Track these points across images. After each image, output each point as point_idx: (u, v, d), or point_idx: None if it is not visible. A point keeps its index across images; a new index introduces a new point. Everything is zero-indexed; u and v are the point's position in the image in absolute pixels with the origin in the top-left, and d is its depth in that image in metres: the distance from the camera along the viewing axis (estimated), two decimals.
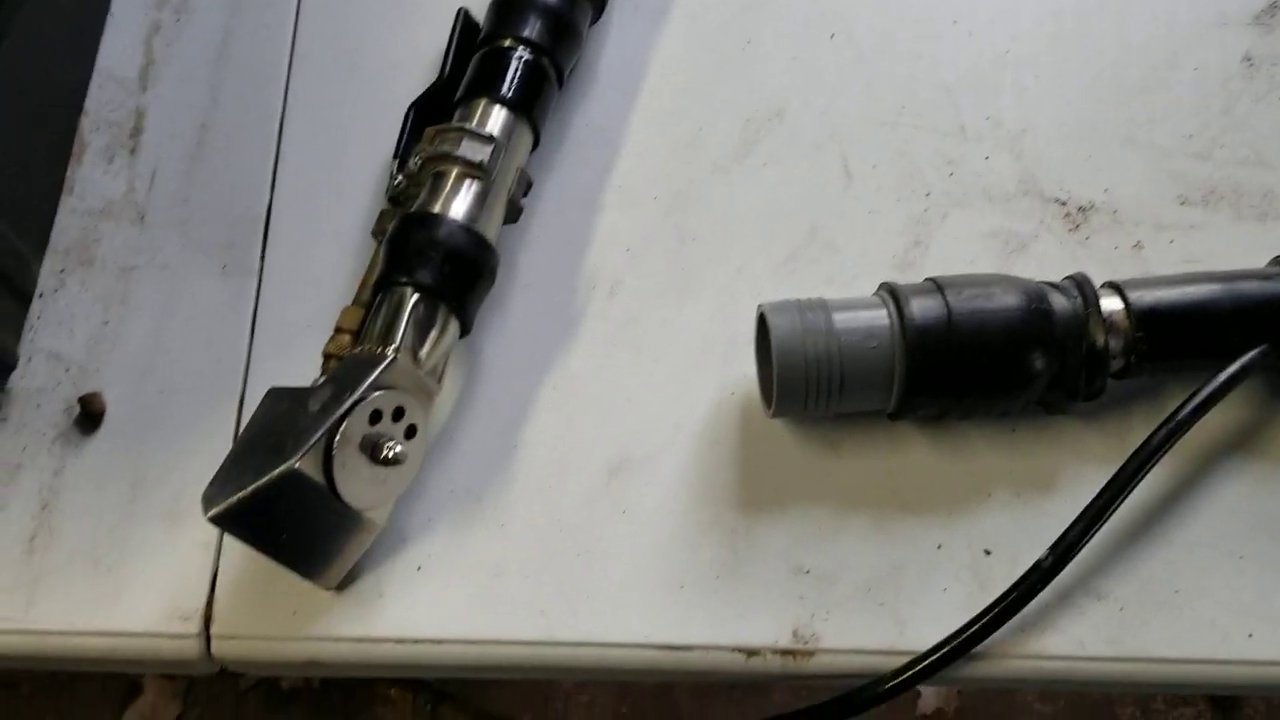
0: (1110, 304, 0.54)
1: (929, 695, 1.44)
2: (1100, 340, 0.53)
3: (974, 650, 0.52)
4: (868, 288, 0.58)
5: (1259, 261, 0.59)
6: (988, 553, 0.55)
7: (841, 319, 0.54)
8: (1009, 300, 0.53)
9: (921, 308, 0.53)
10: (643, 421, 0.59)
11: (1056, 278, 0.58)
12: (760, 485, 0.57)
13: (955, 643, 0.51)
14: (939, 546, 0.55)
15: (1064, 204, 0.65)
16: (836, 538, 0.56)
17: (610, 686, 1.47)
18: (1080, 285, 0.55)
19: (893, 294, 0.54)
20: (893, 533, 0.56)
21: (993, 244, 0.64)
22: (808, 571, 0.55)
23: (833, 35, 0.70)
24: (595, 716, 1.45)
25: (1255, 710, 1.47)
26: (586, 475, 0.57)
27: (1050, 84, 0.68)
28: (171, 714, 1.48)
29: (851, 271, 0.63)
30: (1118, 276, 0.58)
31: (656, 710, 1.45)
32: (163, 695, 1.49)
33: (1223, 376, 0.52)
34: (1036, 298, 0.53)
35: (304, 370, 0.57)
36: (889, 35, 0.70)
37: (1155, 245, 0.63)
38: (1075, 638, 0.53)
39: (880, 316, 0.54)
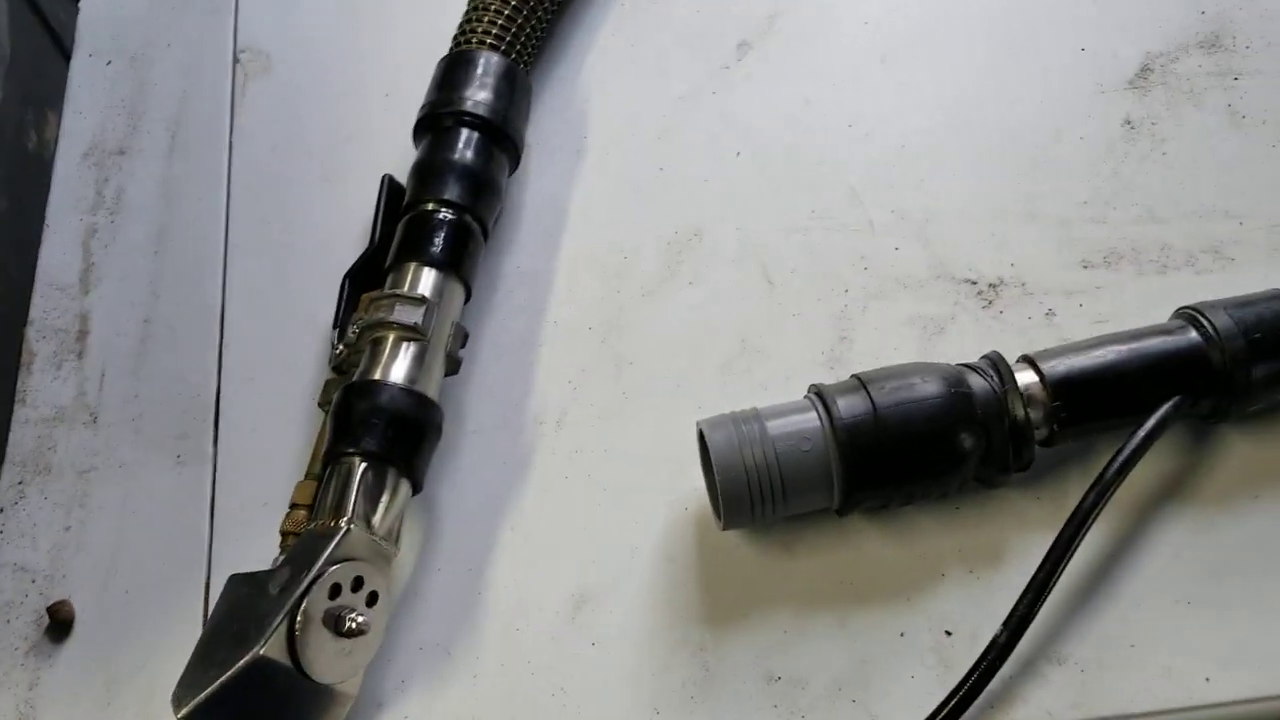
0: (1025, 378, 0.55)
1: None
2: (1021, 414, 0.54)
3: None
4: (801, 388, 0.59)
5: (1165, 312, 0.61)
6: (949, 633, 0.56)
7: (775, 426, 0.55)
8: (929, 388, 0.54)
9: (848, 406, 0.54)
10: (601, 549, 0.59)
11: (976, 354, 0.59)
12: (723, 598, 0.58)
13: None
14: (901, 634, 0.56)
15: (975, 283, 0.66)
16: (802, 640, 0.56)
17: None
18: (995, 364, 0.56)
19: (820, 396, 0.55)
20: (856, 627, 0.56)
21: (913, 330, 0.65)
22: (779, 678, 0.55)
23: (739, 153, 0.72)
24: None
25: None
26: (551, 612, 0.58)
27: (947, 171, 0.70)
28: None
29: (784, 374, 0.64)
30: (1034, 346, 0.59)
31: None
32: None
33: (1140, 434, 0.53)
34: (955, 382, 0.54)
35: (267, 550, 0.57)
36: (791, 146, 0.72)
37: (1066, 311, 0.65)
38: (1042, 707, 0.53)
39: (811, 419, 0.55)
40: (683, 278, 0.68)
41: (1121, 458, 0.53)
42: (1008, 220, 0.68)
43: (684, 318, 0.67)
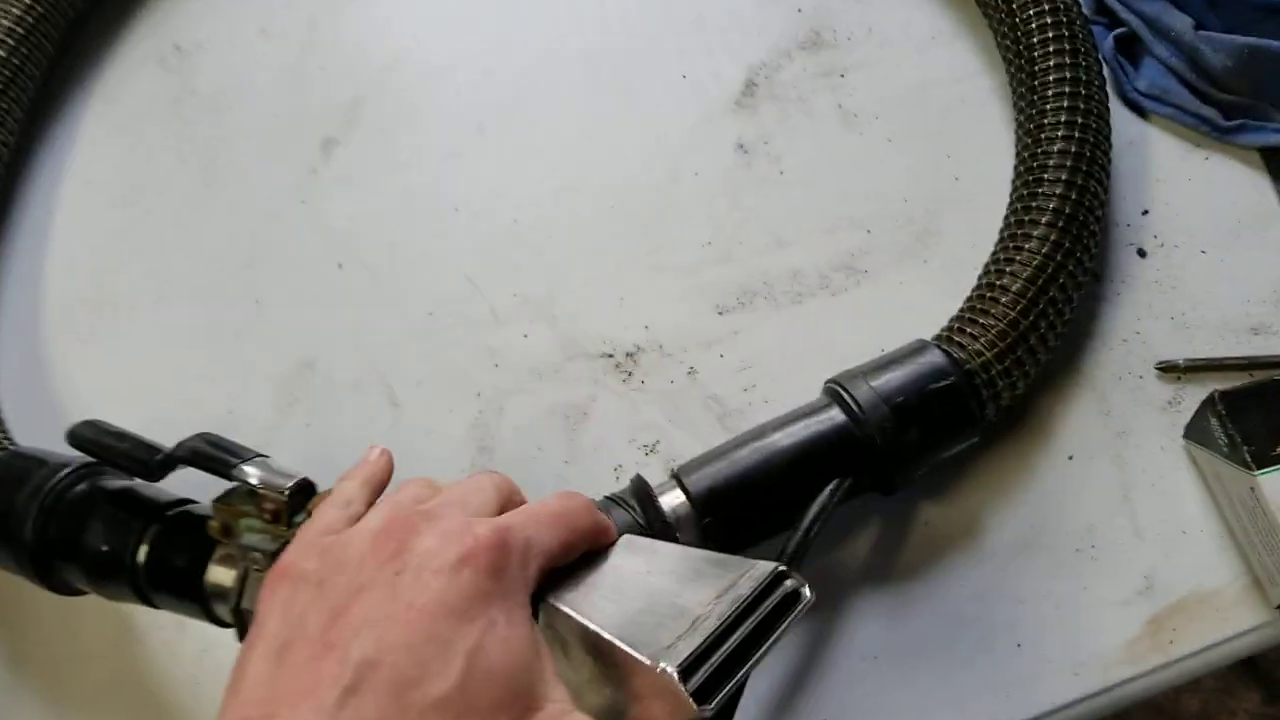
0: (672, 499, 0.49)
1: None
2: (671, 537, 0.48)
3: None
4: None
5: (808, 345, 0.57)
6: None
7: None
8: None
9: None
10: None
11: (624, 433, 0.55)
12: None
13: None
14: None
15: (611, 355, 0.60)
16: None
17: None
18: (637, 491, 0.50)
19: None
20: None
21: (555, 421, 0.59)
22: None
23: (340, 264, 0.64)
24: None
25: None
26: None
27: (563, 240, 0.64)
28: None
29: None
30: (680, 412, 0.55)
31: None
32: None
33: (797, 535, 0.47)
34: None
35: None
36: (395, 244, 0.64)
37: (707, 365, 0.60)
38: None
39: None
40: (298, 418, 0.60)
41: (784, 559, 0.47)
42: (634, 280, 0.62)
43: (306, 465, 0.58)
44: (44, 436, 0.53)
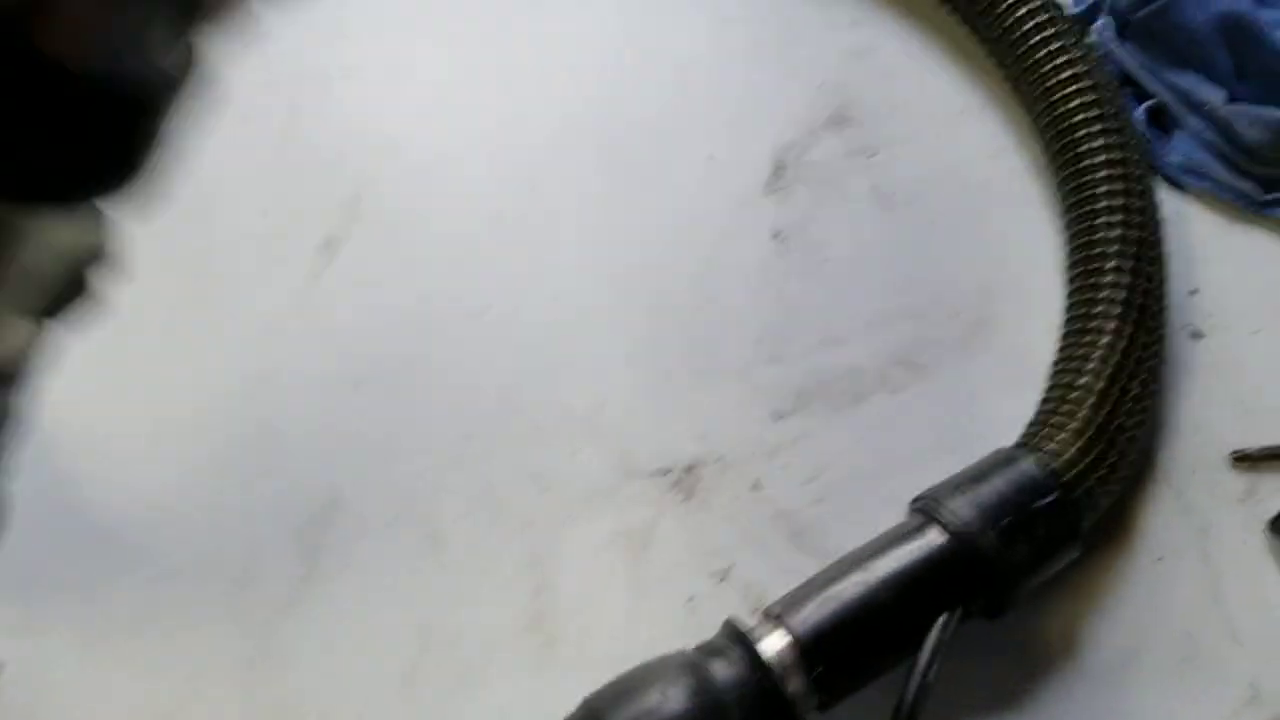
0: (774, 643, 0.44)
1: None
2: (783, 692, 0.43)
3: None
4: (505, 676, 0.46)
5: (871, 452, 0.53)
6: None
7: None
8: (672, 706, 0.42)
9: None
10: None
11: (691, 557, 0.50)
12: None
13: None
14: None
15: (669, 471, 0.55)
16: None
17: None
18: (739, 639, 0.44)
19: None
20: None
21: (617, 550, 0.53)
22: None
23: (356, 384, 0.56)
24: None
25: None
26: None
27: (603, 344, 0.58)
28: None
29: (482, 662, 0.50)
30: (750, 531, 0.52)
31: None
32: None
33: (913, 686, 0.43)
34: (699, 687, 0.42)
35: None
36: (414, 356, 0.57)
37: (772, 477, 0.55)
38: None
39: None
40: (326, 572, 0.52)
41: (904, 712, 0.43)
42: (682, 384, 0.57)
43: (340, 622, 0.51)
44: None
